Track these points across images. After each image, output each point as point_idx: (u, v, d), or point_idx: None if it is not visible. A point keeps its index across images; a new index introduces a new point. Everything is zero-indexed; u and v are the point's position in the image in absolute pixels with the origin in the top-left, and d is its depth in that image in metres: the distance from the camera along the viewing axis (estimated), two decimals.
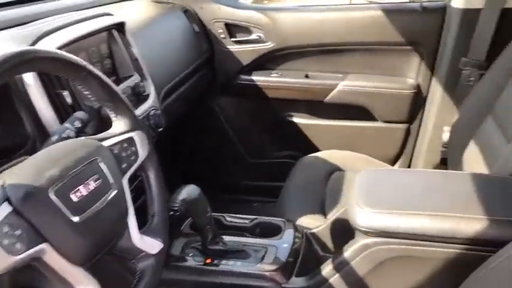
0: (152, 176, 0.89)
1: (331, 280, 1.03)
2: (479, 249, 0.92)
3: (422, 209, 0.95)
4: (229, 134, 2.02)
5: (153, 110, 1.28)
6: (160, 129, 1.30)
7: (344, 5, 1.91)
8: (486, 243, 0.91)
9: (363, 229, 0.97)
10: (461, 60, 1.60)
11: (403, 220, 0.95)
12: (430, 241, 0.94)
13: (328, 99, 1.83)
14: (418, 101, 1.76)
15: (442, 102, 1.68)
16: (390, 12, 1.72)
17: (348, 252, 1.00)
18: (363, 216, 0.97)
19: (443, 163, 1.69)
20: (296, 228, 1.20)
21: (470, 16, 1.55)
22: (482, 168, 1.34)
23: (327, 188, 1.52)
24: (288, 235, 1.17)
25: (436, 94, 1.69)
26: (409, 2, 1.98)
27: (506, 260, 0.80)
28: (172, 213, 1.00)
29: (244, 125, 2.02)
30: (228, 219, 1.24)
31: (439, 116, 1.70)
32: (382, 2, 1.88)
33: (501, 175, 1.15)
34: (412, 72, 1.75)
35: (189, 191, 1.05)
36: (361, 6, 1.85)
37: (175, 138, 2.00)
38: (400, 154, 1.85)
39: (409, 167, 1.83)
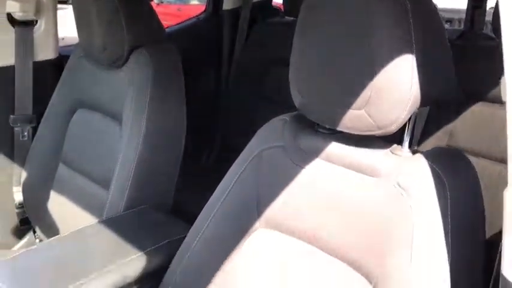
0: None
1: None
2: (146, 282, 1.01)
3: (85, 274, 0.94)
4: None
5: None
6: None
7: None
8: (150, 275, 1.01)
9: None
10: (10, 118, 1.56)
11: None
12: None
13: None
14: None
15: (1, 164, 1.59)
16: None
17: None
18: None
19: (26, 223, 1.63)
20: None
21: (5, 73, 1.53)
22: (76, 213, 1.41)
23: None
24: None
25: None
26: None
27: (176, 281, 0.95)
28: None
29: None
30: None
31: (2, 180, 1.60)
32: None
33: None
34: None
35: None
36: None
37: None
38: None
39: None
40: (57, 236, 1.09)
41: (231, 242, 0.95)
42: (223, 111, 1.99)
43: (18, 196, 1.60)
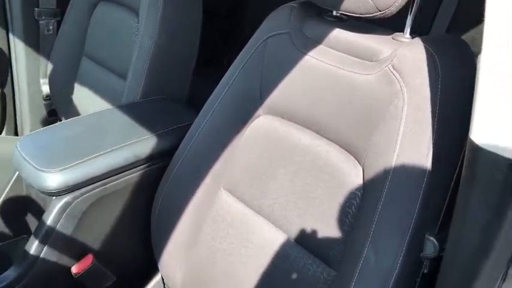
0: None
1: (42, 255, 0.98)
2: (157, 162, 1.08)
3: (99, 150, 1.01)
4: None
5: None
6: None
7: None
8: (161, 155, 1.08)
9: (57, 190, 0.95)
10: (35, 11, 1.60)
11: (88, 167, 0.98)
12: (119, 173, 1.03)
13: None
14: (2, 63, 1.66)
15: (29, 57, 1.66)
16: None
17: (50, 218, 0.97)
18: (51, 179, 0.95)
19: (52, 114, 1.73)
20: None
21: None
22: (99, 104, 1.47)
23: None
24: None
25: (20, 51, 1.64)
26: None
27: (183, 162, 1.01)
28: None
29: None
30: None
31: (30, 72, 1.68)
32: None
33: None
34: None
35: None
36: None
37: None
38: (3, 121, 1.74)
39: (16, 130, 1.77)
40: (76, 117, 1.16)
41: (234, 128, 0.99)
42: (245, 11, 1.97)
43: (45, 88, 1.68)
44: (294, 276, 0.86)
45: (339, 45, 0.87)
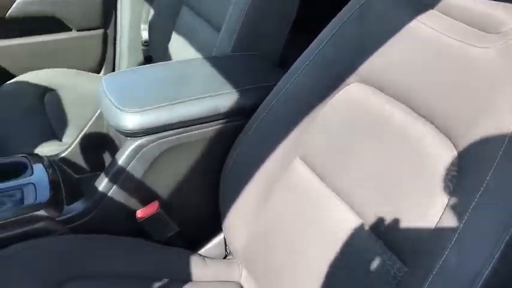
0: None
1: (110, 193, 0.98)
2: (235, 119, 1.03)
3: (180, 97, 0.98)
4: None
5: None
6: None
7: None
8: (240, 112, 1.03)
9: (133, 131, 0.94)
10: None
11: (167, 112, 0.95)
12: (196, 124, 0.99)
13: (10, 14, 1.57)
14: (108, 3, 1.70)
15: (134, 1, 1.68)
16: None
17: (122, 158, 0.96)
18: (129, 119, 0.93)
19: (148, 60, 1.74)
20: (43, 160, 1.06)
21: None
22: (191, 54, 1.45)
23: (46, 111, 1.39)
24: (39, 169, 1.02)
25: None
26: None
27: (260, 123, 0.94)
28: None
29: None
30: None
31: (133, 16, 1.70)
32: None
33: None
34: None
35: None
36: None
37: None
38: (103, 61, 1.80)
39: (113, 71, 1.82)
40: (163, 62, 1.14)
41: (319, 94, 0.91)
42: None
43: (144, 34, 1.70)
44: (361, 265, 0.77)
45: (457, 13, 0.75)
